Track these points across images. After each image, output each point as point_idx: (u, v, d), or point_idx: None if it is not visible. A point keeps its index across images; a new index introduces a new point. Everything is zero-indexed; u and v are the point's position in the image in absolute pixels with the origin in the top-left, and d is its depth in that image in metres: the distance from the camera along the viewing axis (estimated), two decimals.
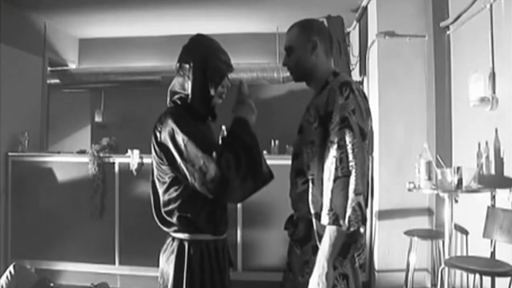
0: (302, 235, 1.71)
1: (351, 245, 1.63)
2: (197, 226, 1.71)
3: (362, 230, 1.63)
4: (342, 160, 1.55)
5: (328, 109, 1.61)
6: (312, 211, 1.64)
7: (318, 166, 1.62)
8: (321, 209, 1.60)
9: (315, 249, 1.62)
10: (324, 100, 1.64)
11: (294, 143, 1.82)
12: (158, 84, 5.72)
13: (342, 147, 1.55)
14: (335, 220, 1.53)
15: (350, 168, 1.54)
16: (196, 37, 1.84)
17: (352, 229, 1.54)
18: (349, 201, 1.53)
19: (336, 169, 1.55)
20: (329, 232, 1.56)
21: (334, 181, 1.54)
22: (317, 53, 1.74)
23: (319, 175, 1.62)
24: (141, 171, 4.31)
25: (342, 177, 1.54)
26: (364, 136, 1.60)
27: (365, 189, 1.62)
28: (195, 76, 1.74)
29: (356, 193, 1.54)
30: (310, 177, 1.66)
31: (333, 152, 1.56)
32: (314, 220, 1.63)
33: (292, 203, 1.80)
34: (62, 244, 4.39)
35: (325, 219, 1.56)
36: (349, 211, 1.53)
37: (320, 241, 1.60)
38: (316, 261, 1.58)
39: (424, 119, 4.03)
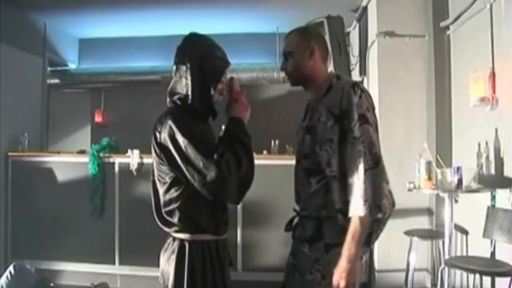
0: (311, 233, 1.73)
1: (372, 233, 1.67)
2: (198, 226, 1.71)
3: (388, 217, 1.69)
4: (366, 153, 1.62)
5: (343, 107, 1.68)
6: (337, 207, 1.67)
7: (339, 162, 1.67)
8: (345, 204, 1.64)
9: (328, 247, 1.66)
10: (336, 100, 1.71)
11: (303, 143, 1.83)
12: (158, 84, 5.72)
13: (365, 141, 1.63)
14: (370, 211, 1.59)
15: (376, 159, 1.62)
16: (189, 37, 1.84)
17: (386, 215, 1.63)
18: (382, 190, 1.61)
19: (364, 162, 1.61)
20: (361, 222, 1.60)
21: (365, 173, 1.61)
22: (315, 58, 1.80)
23: (340, 171, 1.67)
24: (141, 171, 4.31)
25: (369, 169, 1.61)
26: (377, 132, 1.70)
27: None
28: (193, 76, 1.73)
29: (386, 182, 1.64)
30: (330, 174, 1.70)
31: (358, 147, 1.63)
32: (339, 216, 1.66)
33: (303, 202, 1.81)
34: (62, 244, 4.39)
35: (359, 210, 1.60)
36: (384, 199, 1.61)
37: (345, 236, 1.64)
38: (344, 251, 1.61)
39: (424, 119, 4.03)
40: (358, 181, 1.61)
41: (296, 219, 1.85)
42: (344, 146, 1.66)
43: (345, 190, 1.65)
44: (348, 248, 1.61)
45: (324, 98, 1.77)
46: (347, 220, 1.63)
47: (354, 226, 1.61)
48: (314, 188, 1.74)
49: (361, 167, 1.61)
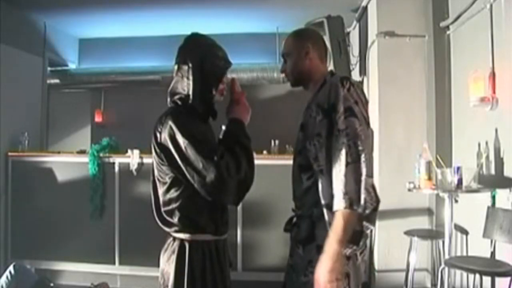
0: (305, 235, 1.72)
1: (363, 232, 1.65)
2: (198, 226, 1.71)
3: (375, 213, 1.65)
4: (350, 146, 1.60)
5: (331, 101, 1.67)
6: (323, 202, 1.65)
7: (327, 156, 1.66)
8: (331, 199, 1.62)
9: (319, 249, 1.63)
10: (325, 94, 1.71)
11: (296, 141, 1.84)
12: (158, 84, 5.74)
13: (349, 134, 1.61)
14: (351, 204, 1.57)
15: (360, 153, 1.60)
16: (191, 37, 1.84)
17: (367, 211, 1.59)
18: (363, 184, 1.58)
19: (346, 155, 1.60)
20: (343, 216, 1.57)
21: (346, 166, 1.59)
22: (311, 57, 1.81)
23: (328, 165, 1.65)
24: (141, 171, 4.31)
25: (352, 162, 1.59)
26: (368, 124, 1.68)
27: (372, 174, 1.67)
28: (194, 76, 1.74)
29: (368, 176, 1.60)
30: (318, 168, 1.69)
31: (342, 139, 1.62)
32: (325, 211, 1.65)
33: (297, 200, 1.81)
34: (62, 244, 4.39)
35: (340, 203, 1.58)
36: (364, 194, 1.57)
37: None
38: (326, 247, 1.58)
39: (424, 119, 4.03)
40: (339, 174, 1.59)
41: (294, 219, 1.85)
42: (331, 140, 1.65)
43: (330, 185, 1.63)
44: (329, 243, 1.58)
45: (317, 94, 1.78)
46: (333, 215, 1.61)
47: (335, 222, 1.58)
48: (306, 185, 1.74)
49: (343, 160, 1.59)
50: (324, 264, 1.57)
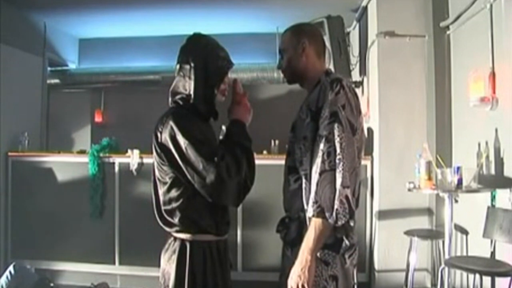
0: (294, 237, 1.70)
1: (343, 240, 1.63)
2: (199, 226, 1.71)
3: (352, 224, 1.62)
4: (330, 154, 1.56)
5: (319, 104, 1.64)
6: (306, 207, 1.63)
7: (311, 161, 1.63)
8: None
9: None
10: (315, 96, 1.68)
11: (289, 141, 1.82)
12: (158, 84, 5.74)
13: (330, 141, 1.57)
14: (320, 212, 1.54)
15: (337, 161, 1.56)
16: (193, 37, 1.85)
17: (340, 222, 1.55)
18: (337, 194, 1.54)
19: (323, 162, 1.56)
20: (314, 225, 1.56)
21: (320, 174, 1.56)
22: (307, 54, 1.77)
23: (311, 170, 1.63)
24: (141, 171, 4.31)
25: (329, 170, 1.55)
26: (354, 131, 1.62)
27: (355, 183, 1.62)
28: (196, 76, 1.74)
29: (344, 186, 1.54)
30: (303, 173, 1.67)
31: (321, 146, 1.58)
32: (307, 217, 1.63)
33: (285, 201, 1.80)
34: (62, 244, 4.39)
35: (310, 211, 1.57)
36: (336, 204, 1.53)
37: None
38: (299, 253, 1.58)
39: (424, 119, 4.03)
40: (313, 181, 1.57)
41: (286, 220, 1.84)
42: (315, 144, 1.62)
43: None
44: (302, 250, 1.57)
45: (309, 95, 1.75)
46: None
47: (308, 230, 1.57)
48: (293, 187, 1.72)
49: (318, 167, 1.56)
50: (294, 269, 1.58)
